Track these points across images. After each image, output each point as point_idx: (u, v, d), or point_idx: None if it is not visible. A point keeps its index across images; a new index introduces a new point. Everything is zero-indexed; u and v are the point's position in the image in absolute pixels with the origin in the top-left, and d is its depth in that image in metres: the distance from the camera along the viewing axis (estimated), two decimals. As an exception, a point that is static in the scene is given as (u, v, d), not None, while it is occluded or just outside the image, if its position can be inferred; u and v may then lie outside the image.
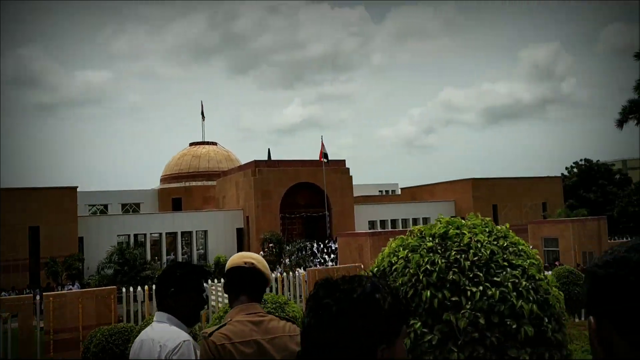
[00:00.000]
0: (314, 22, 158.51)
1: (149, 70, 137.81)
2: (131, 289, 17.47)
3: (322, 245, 35.49)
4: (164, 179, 53.43)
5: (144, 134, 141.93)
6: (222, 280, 20.02)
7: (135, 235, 35.76)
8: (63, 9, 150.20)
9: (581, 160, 54.52)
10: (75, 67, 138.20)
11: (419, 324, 3.53)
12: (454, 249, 3.80)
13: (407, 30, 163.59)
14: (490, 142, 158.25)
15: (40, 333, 13.00)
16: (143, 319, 17.43)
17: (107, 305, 15.32)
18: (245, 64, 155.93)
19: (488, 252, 3.70)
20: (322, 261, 30.39)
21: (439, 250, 3.83)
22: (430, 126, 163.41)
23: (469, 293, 3.46)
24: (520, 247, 3.91)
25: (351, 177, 41.26)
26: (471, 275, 3.57)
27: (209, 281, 21.80)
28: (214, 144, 55.94)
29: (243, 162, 46.49)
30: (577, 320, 14.17)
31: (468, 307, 3.40)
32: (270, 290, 20.41)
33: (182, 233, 37.20)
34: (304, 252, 28.68)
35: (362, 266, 20.04)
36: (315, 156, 38.98)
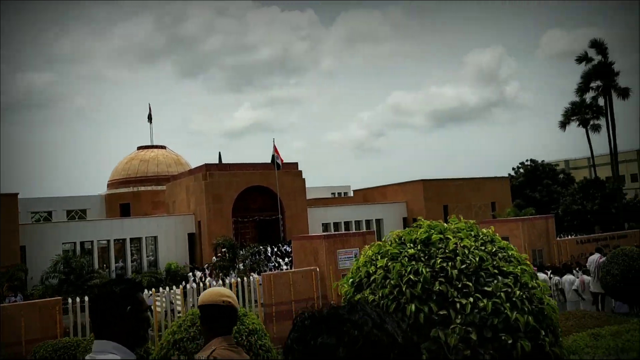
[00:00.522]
0: (263, 25, 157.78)
1: (95, 73, 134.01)
2: (78, 299, 16.78)
3: (275, 249, 35.13)
4: (111, 184, 51.92)
5: (89, 138, 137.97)
6: (180, 287, 19.46)
7: (82, 243, 34.49)
8: (1, 8, 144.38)
9: (527, 160, 56.05)
10: (17, 69, 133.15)
11: None
12: (439, 256, 3.48)
13: (356, 35, 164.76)
14: (439, 144, 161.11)
15: (-20, 350, 12.24)
16: (91, 331, 16.77)
17: (52, 317, 14.59)
18: (193, 67, 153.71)
19: (477, 259, 3.38)
20: (277, 265, 30.04)
21: (422, 258, 3.52)
22: (379, 129, 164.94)
23: (458, 305, 3.14)
24: (510, 253, 3.65)
25: (304, 180, 41.08)
26: (459, 286, 3.25)
27: (172, 288, 21.21)
28: (163, 147, 54.74)
29: (193, 166, 45.63)
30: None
31: (458, 321, 3.08)
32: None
33: (131, 239, 36.12)
34: (257, 257, 28.27)
35: (318, 269, 19.88)
36: (267, 159, 38.61)
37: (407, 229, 4.05)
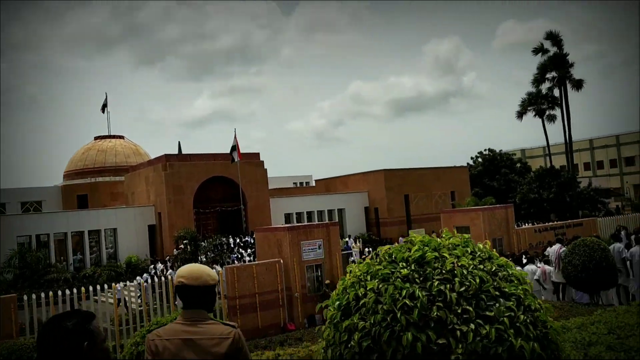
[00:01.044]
0: (222, 13, 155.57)
1: (48, 61, 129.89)
2: (34, 295, 16.25)
3: (238, 240, 34.81)
4: (68, 175, 50.50)
5: (44, 128, 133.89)
6: (142, 280, 19.05)
7: (38, 236, 33.41)
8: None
9: (485, 150, 56.94)
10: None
11: None
12: (436, 277, 3.25)
13: (316, 24, 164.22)
14: (399, 134, 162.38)
15: None
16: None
17: (7, 315, 14.10)
18: (151, 55, 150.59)
19: (477, 280, 3.16)
20: (239, 256, 29.75)
21: (417, 280, 3.27)
22: (339, 119, 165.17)
23: (458, 333, 2.93)
24: (510, 271, 3.39)
25: (266, 170, 40.75)
26: (459, 311, 3.03)
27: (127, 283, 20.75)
28: (121, 137, 53.47)
29: (152, 156, 44.72)
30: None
31: (459, 351, 2.88)
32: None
33: (90, 232, 35.20)
34: (220, 248, 27.92)
35: (282, 261, 19.75)
36: (228, 149, 38.07)
37: (397, 244, 3.77)
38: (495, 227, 25.36)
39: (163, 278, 19.73)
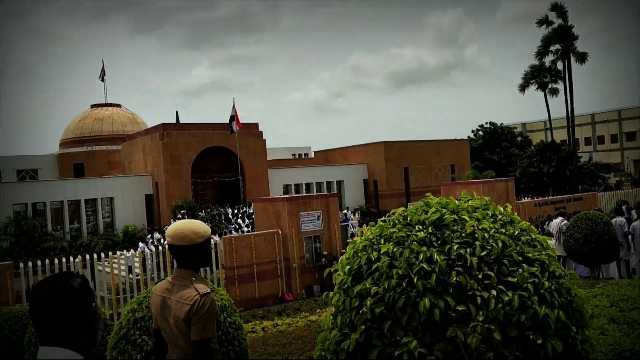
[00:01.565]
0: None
1: (44, 29, 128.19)
2: (30, 263, 16.10)
3: (236, 211, 34.66)
4: (64, 144, 50.10)
5: (40, 95, 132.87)
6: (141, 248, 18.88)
7: (34, 204, 33.19)
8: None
9: (486, 123, 56.55)
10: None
11: (415, 342, 2.74)
12: (455, 241, 3.00)
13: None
14: (399, 105, 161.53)
15: None
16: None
17: (2, 282, 13.97)
18: (148, 24, 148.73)
19: (499, 244, 2.92)
20: (237, 227, 29.63)
21: (434, 243, 3.03)
22: (339, 90, 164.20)
23: (479, 300, 2.70)
24: (534, 236, 3.16)
25: (264, 140, 40.39)
26: (480, 276, 2.79)
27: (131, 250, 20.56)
28: (118, 106, 52.92)
29: (150, 125, 44.28)
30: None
31: (480, 318, 2.65)
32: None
33: (86, 200, 34.99)
34: (218, 219, 27.75)
35: (280, 232, 19.60)
36: (226, 119, 37.65)
37: (412, 207, 3.49)
38: (495, 201, 24.73)
39: (160, 247, 19.58)
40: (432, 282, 2.84)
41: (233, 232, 27.48)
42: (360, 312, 2.96)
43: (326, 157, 50.65)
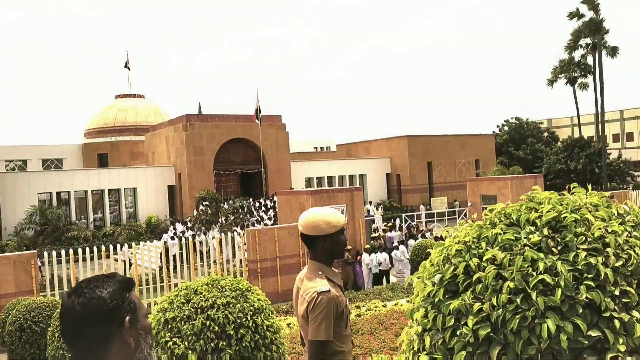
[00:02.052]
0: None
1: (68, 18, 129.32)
2: (54, 252, 16.04)
3: (258, 204, 34.48)
4: (88, 134, 50.40)
5: (65, 86, 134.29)
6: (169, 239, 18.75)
7: (58, 194, 33.37)
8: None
9: (512, 118, 55.60)
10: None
11: None
12: (581, 247, 2.42)
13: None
14: (422, 99, 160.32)
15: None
16: (69, 285, 16.11)
17: (27, 271, 13.90)
18: (166, 7, 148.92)
19: (638, 252, 2.38)
20: (259, 219, 29.43)
21: (553, 250, 2.44)
22: (363, 76, 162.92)
23: (617, 323, 2.16)
24: None
25: (287, 132, 40.12)
26: (617, 293, 2.26)
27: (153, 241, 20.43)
28: (142, 96, 53.07)
29: (172, 116, 44.29)
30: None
31: (621, 348, 2.12)
32: (208, 253, 19.41)
33: (109, 191, 35.10)
34: (241, 210, 27.58)
35: (304, 226, 19.33)
36: (249, 111, 37.47)
37: (516, 203, 2.88)
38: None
39: (184, 239, 19.45)
40: (556, 300, 2.28)
41: (255, 224, 27.29)
42: (459, 333, 2.43)
43: (349, 150, 50.25)
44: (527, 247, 2.50)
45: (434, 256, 2.86)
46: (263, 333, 4.69)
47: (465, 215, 29.94)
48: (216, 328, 4.73)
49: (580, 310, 2.24)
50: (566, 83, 48.80)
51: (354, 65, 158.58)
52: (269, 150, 38.41)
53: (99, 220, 34.56)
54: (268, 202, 34.84)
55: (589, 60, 47.34)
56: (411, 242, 19.17)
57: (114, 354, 1.63)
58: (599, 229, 2.48)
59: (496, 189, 25.36)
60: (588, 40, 46.17)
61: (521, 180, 25.50)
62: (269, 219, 29.95)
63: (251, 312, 4.82)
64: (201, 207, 27.64)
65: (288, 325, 11.39)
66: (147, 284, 16.91)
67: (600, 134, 45.11)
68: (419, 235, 22.92)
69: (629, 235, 2.52)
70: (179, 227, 28.79)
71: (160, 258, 18.63)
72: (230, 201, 28.80)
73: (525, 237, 2.56)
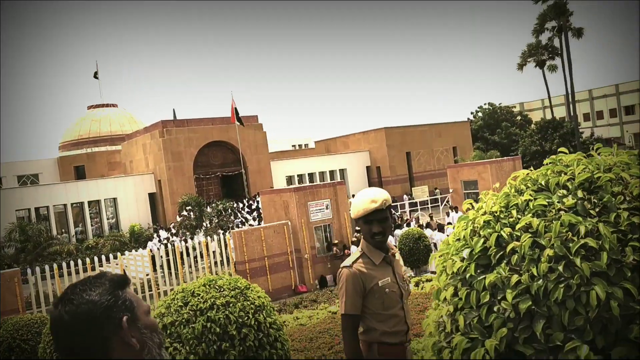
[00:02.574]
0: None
1: (37, 32, 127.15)
2: (37, 268, 15.86)
3: (242, 205, 34.39)
4: (64, 147, 49.68)
5: (37, 100, 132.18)
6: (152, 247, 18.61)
7: (37, 209, 32.86)
8: None
9: (485, 104, 56.14)
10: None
11: (585, 348, 2.04)
12: (620, 206, 2.26)
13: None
14: (395, 90, 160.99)
15: None
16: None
17: (10, 290, 13.71)
18: (137, 21, 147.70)
19: None
20: (244, 220, 29.35)
21: (591, 212, 2.28)
22: (334, 74, 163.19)
23: None
24: None
25: (265, 133, 40.03)
26: None
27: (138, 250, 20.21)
28: (114, 106, 52.44)
29: (147, 123, 43.86)
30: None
31: None
32: (195, 258, 19.32)
33: (89, 202, 34.68)
34: (225, 213, 27.45)
35: (290, 223, 19.34)
36: (225, 113, 37.34)
37: (542, 168, 2.70)
38: (503, 180, 24.75)
39: (170, 245, 19.34)
40: (602, 264, 2.09)
41: (240, 226, 27.22)
42: (496, 309, 2.28)
43: (327, 146, 50.31)
44: (562, 212, 2.32)
45: (458, 230, 2.69)
46: (266, 331, 4.65)
47: (447, 201, 30.20)
48: (218, 330, 4.64)
49: (629, 274, 2.08)
50: (535, 66, 49.44)
51: (327, 63, 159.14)
52: (248, 151, 38.30)
53: (81, 233, 34.14)
54: (251, 202, 34.77)
55: (556, 42, 48.04)
56: (397, 231, 19.31)
57: (116, 355, 1.47)
58: (637, 186, 2.32)
59: (476, 174, 25.62)
60: (554, 23, 46.83)
61: (500, 164, 25.79)
62: (254, 219, 29.90)
63: (252, 310, 4.76)
64: (184, 212, 27.47)
65: (284, 323, 11.41)
66: (137, 292, 16.80)
67: (571, 113, 45.83)
68: (404, 224, 23.13)
69: None
70: (163, 233, 28.59)
71: (154, 264, 18.50)
72: (214, 204, 28.63)
73: (558, 202, 2.39)
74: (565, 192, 2.44)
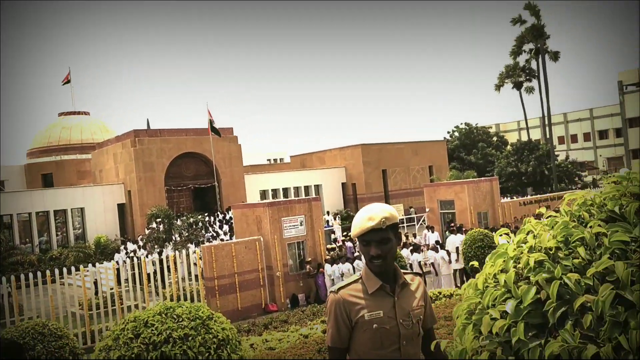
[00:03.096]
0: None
1: (7, 35, 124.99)
2: (-4, 280, 15.04)
3: (213, 218, 33.56)
4: (32, 154, 48.31)
5: (5, 106, 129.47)
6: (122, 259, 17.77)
7: (0, 217, 31.66)
8: None
9: (461, 124, 56.34)
10: None
11: None
12: None
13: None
14: (373, 106, 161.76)
15: None
16: (12, 313, 15.03)
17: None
18: (111, 29, 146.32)
19: None
20: (215, 235, 28.53)
21: None
22: (313, 88, 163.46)
23: None
24: None
25: (240, 145, 39.36)
26: None
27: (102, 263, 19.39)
28: (86, 113, 51.28)
29: (119, 132, 42.88)
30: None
31: None
32: (163, 272, 18.51)
33: (55, 212, 33.52)
34: (195, 227, 26.67)
35: (262, 239, 18.69)
36: (200, 124, 36.61)
37: (605, 189, 1.97)
38: (480, 201, 24.72)
39: (135, 259, 18.52)
40: None
41: (211, 240, 26.42)
42: None
43: (303, 161, 49.78)
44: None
45: (488, 270, 1.99)
46: (230, 371, 4.00)
47: (423, 220, 29.83)
48: (172, 367, 4.04)
49: None
50: (512, 87, 49.81)
51: (305, 76, 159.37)
52: (222, 163, 37.57)
53: (45, 244, 32.93)
54: (223, 216, 33.97)
55: (533, 65, 48.50)
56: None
57: None
58: None
59: (453, 194, 25.34)
60: (531, 45, 47.31)
61: (477, 184, 25.57)
62: (225, 233, 29.12)
63: (215, 345, 4.07)
64: (153, 224, 26.60)
65: (251, 346, 10.74)
66: (98, 308, 15.97)
67: (547, 136, 46.12)
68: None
69: None
70: (130, 246, 27.64)
71: (119, 278, 17.66)
72: (184, 217, 27.84)
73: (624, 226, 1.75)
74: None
